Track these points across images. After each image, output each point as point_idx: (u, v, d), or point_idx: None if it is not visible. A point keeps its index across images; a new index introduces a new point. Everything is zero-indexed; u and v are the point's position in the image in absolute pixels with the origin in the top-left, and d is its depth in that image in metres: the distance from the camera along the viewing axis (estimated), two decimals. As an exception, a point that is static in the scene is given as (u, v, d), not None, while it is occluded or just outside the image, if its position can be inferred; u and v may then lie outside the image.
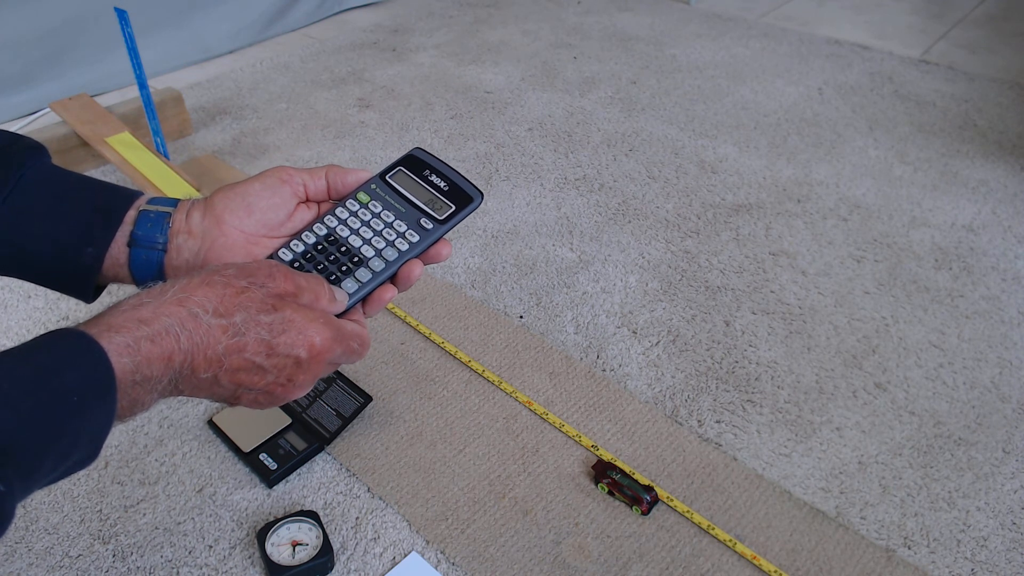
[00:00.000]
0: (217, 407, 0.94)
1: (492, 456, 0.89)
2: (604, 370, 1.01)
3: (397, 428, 0.92)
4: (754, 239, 1.26)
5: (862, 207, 1.34)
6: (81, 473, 0.86)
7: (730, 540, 0.79)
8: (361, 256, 0.55)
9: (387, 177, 0.58)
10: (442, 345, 1.03)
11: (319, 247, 0.55)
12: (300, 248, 0.55)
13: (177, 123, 1.53)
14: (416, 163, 0.58)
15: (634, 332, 1.07)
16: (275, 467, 0.85)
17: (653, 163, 1.47)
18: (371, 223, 0.56)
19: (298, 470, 0.87)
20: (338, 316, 0.52)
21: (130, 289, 0.63)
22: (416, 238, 0.55)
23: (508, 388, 0.97)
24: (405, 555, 0.79)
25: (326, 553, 0.76)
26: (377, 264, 0.55)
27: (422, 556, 0.79)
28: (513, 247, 1.24)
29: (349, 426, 0.91)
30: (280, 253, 0.54)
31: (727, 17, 2.18)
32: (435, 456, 0.89)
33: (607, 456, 0.88)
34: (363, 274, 0.54)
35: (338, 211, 0.56)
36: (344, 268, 0.54)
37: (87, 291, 0.54)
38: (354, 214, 0.56)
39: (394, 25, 2.12)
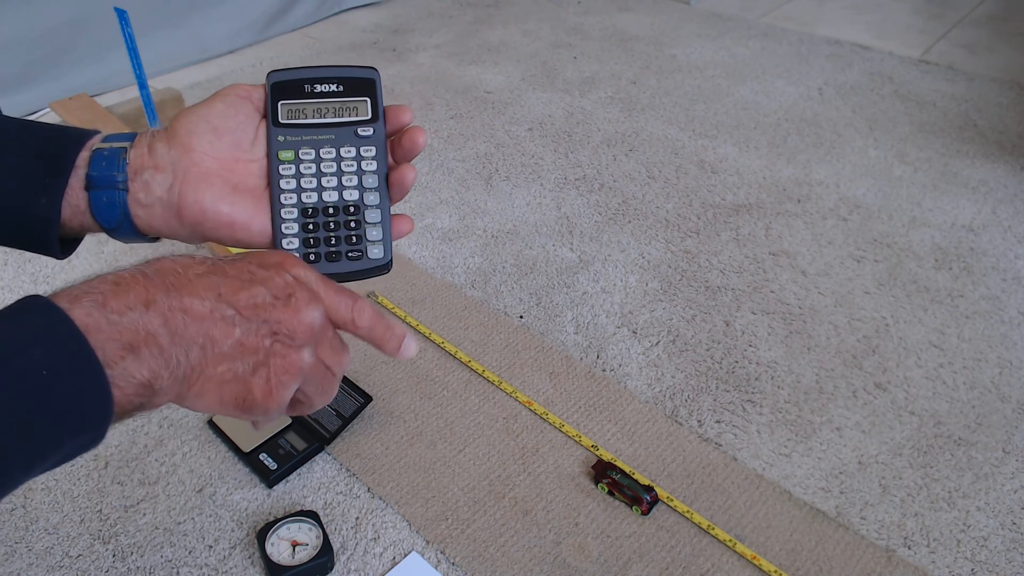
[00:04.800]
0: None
1: (492, 456, 0.89)
2: (604, 370, 1.01)
3: (397, 428, 0.92)
4: (754, 239, 1.26)
5: (862, 207, 1.34)
6: (81, 473, 0.86)
7: (730, 540, 0.79)
8: (352, 203, 0.51)
9: (280, 120, 0.51)
10: (442, 345, 1.03)
11: (309, 227, 0.50)
12: (296, 243, 0.50)
13: (177, 123, 1.53)
14: (288, 87, 0.51)
15: (634, 332, 1.07)
16: (275, 467, 0.85)
17: (653, 163, 1.47)
18: (323, 169, 0.51)
19: (298, 470, 0.87)
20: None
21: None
22: (372, 150, 0.51)
23: (508, 388, 0.97)
24: (405, 555, 0.79)
25: (326, 553, 0.76)
26: (372, 198, 0.51)
27: (422, 556, 0.79)
28: (513, 247, 1.24)
29: (349, 426, 0.91)
30: (285, 244, 0.50)
31: (727, 17, 2.18)
32: (435, 456, 0.89)
33: (607, 456, 0.88)
34: (372, 215, 0.51)
35: (282, 184, 0.50)
36: (352, 224, 0.51)
37: (52, 246, 0.49)
38: (300, 175, 0.51)
39: (394, 25, 2.12)
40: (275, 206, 0.50)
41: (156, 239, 0.51)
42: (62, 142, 0.49)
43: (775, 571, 0.77)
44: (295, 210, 0.50)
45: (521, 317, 1.10)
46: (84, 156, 0.48)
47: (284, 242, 0.50)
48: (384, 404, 0.95)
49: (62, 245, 0.50)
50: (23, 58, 1.63)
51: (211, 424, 0.91)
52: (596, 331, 1.07)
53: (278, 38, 2.06)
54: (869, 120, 1.62)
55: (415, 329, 1.06)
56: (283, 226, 0.50)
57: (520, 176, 1.43)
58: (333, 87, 0.51)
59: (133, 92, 1.66)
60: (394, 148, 0.52)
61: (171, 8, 1.85)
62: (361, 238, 0.51)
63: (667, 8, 2.24)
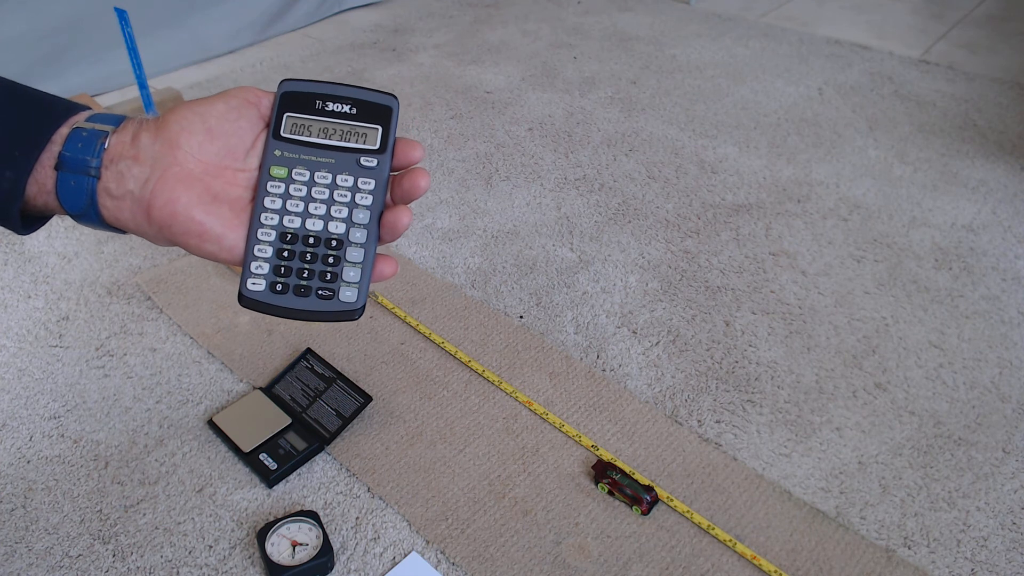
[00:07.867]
0: (217, 407, 0.94)
1: (492, 456, 0.89)
2: (604, 370, 1.01)
3: (397, 428, 0.92)
4: (754, 239, 1.26)
5: (862, 207, 1.34)
6: (81, 473, 0.86)
7: (730, 540, 0.79)
8: (336, 236, 0.47)
9: (282, 133, 0.47)
10: (442, 345, 1.03)
11: (284, 253, 0.46)
12: (266, 268, 0.46)
13: (177, 123, 1.53)
14: (299, 99, 0.48)
15: (634, 332, 1.07)
16: (275, 467, 0.85)
17: (653, 163, 1.47)
18: (313, 194, 0.47)
19: (298, 470, 0.87)
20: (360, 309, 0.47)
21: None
22: (371, 183, 0.47)
23: (508, 388, 0.97)
24: (405, 555, 0.79)
25: (326, 553, 0.76)
26: (359, 235, 0.47)
27: (422, 556, 0.79)
28: (513, 247, 1.24)
29: (349, 426, 0.91)
30: (250, 284, 0.46)
31: (727, 17, 2.18)
32: (435, 456, 0.89)
33: (607, 456, 0.88)
34: (354, 254, 0.47)
35: (267, 202, 0.46)
36: (330, 259, 0.47)
37: (12, 220, 0.46)
38: (287, 196, 0.47)
39: (394, 25, 2.12)
40: (253, 224, 0.46)
41: (125, 231, 0.48)
42: (44, 113, 0.46)
43: (775, 571, 0.77)
44: (273, 232, 0.46)
45: (521, 317, 1.10)
46: (63, 132, 0.45)
47: (253, 266, 0.46)
48: (384, 404, 0.95)
49: (26, 221, 0.47)
50: (23, 58, 1.63)
51: (211, 424, 0.91)
52: (596, 331, 1.07)
53: (278, 38, 2.06)
54: (869, 120, 1.62)
55: (415, 329, 1.06)
56: (256, 248, 0.46)
57: (520, 176, 1.43)
58: (346, 108, 0.48)
59: (133, 92, 1.66)
60: (394, 186, 0.48)
61: (171, 8, 1.85)
62: (336, 277, 0.46)
63: (667, 8, 2.24)
